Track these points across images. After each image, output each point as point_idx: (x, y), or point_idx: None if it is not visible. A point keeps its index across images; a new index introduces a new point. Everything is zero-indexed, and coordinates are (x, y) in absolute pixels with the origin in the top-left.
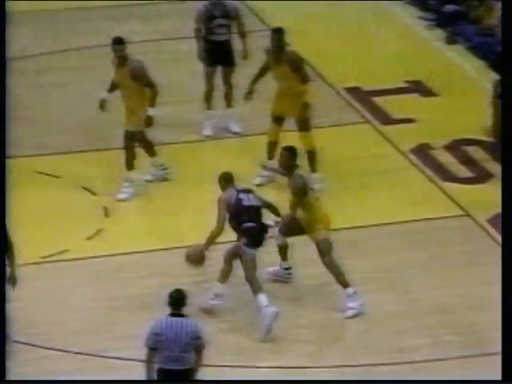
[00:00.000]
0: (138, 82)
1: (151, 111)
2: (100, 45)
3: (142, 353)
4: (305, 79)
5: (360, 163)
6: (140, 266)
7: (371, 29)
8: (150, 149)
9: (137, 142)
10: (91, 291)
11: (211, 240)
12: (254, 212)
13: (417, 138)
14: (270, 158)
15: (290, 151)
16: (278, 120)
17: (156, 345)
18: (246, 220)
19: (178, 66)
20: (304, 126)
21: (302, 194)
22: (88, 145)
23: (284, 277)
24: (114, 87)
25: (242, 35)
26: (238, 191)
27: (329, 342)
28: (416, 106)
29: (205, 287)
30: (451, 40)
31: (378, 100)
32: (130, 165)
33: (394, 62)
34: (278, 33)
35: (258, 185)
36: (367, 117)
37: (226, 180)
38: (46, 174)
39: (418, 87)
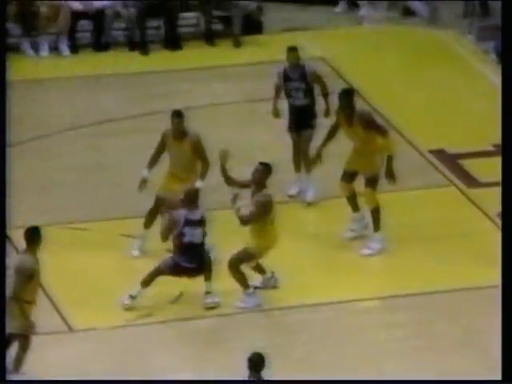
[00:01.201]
0: (195, 155)
1: (199, 183)
2: (183, 107)
3: None
4: (383, 132)
5: (445, 226)
6: (223, 329)
7: (458, 88)
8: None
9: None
10: (175, 354)
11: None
12: (194, 250)
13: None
14: (355, 210)
15: (266, 167)
16: (350, 176)
17: None
18: (184, 259)
19: (258, 126)
20: (372, 183)
21: (263, 210)
22: None
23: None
24: (154, 162)
25: (324, 95)
26: (186, 222)
27: None
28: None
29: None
30: None
31: (464, 163)
32: None
33: (481, 124)
34: (347, 94)
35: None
36: (453, 180)
37: (191, 200)
38: (131, 237)
39: None
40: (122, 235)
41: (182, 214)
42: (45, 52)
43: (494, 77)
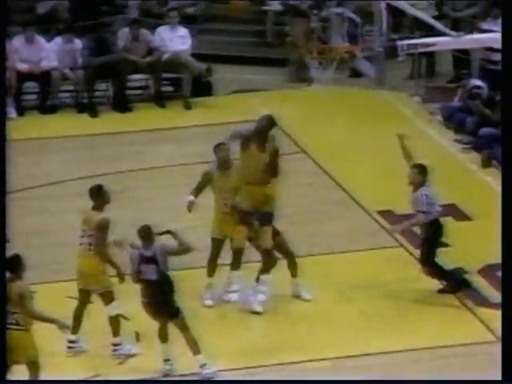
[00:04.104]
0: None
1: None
2: (132, 169)
3: None
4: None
5: (393, 287)
6: None
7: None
8: None
9: None
10: None
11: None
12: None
13: (451, 262)
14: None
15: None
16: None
17: None
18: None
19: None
20: (270, 219)
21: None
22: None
23: None
24: (199, 191)
25: None
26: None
27: None
28: (450, 229)
29: None
30: (487, 163)
31: None
32: None
33: None
34: (269, 119)
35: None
36: (401, 240)
37: (146, 236)
38: (76, 299)
39: (452, 211)
40: (68, 297)
41: (135, 252)
42: None
43: (439, 138)
